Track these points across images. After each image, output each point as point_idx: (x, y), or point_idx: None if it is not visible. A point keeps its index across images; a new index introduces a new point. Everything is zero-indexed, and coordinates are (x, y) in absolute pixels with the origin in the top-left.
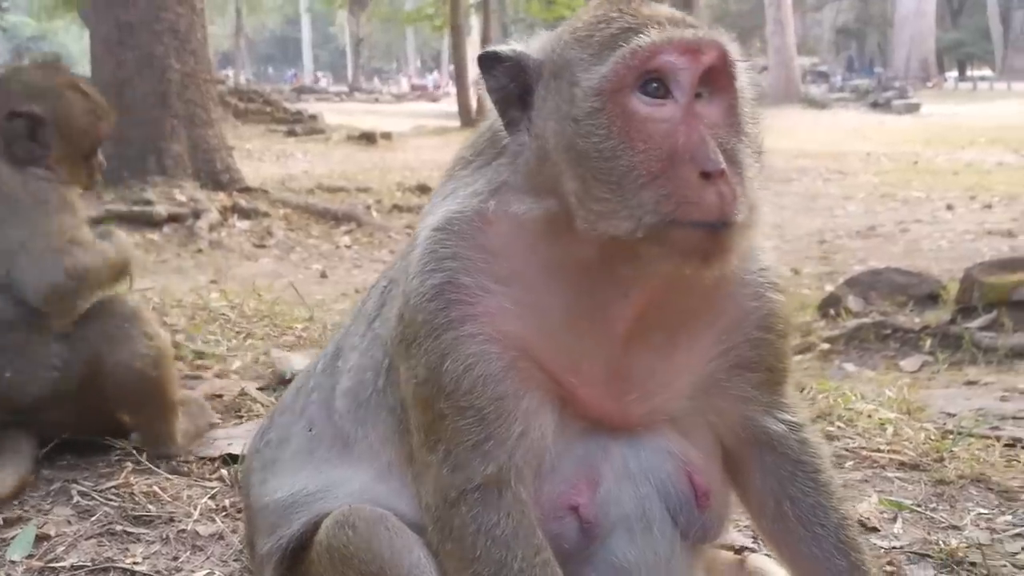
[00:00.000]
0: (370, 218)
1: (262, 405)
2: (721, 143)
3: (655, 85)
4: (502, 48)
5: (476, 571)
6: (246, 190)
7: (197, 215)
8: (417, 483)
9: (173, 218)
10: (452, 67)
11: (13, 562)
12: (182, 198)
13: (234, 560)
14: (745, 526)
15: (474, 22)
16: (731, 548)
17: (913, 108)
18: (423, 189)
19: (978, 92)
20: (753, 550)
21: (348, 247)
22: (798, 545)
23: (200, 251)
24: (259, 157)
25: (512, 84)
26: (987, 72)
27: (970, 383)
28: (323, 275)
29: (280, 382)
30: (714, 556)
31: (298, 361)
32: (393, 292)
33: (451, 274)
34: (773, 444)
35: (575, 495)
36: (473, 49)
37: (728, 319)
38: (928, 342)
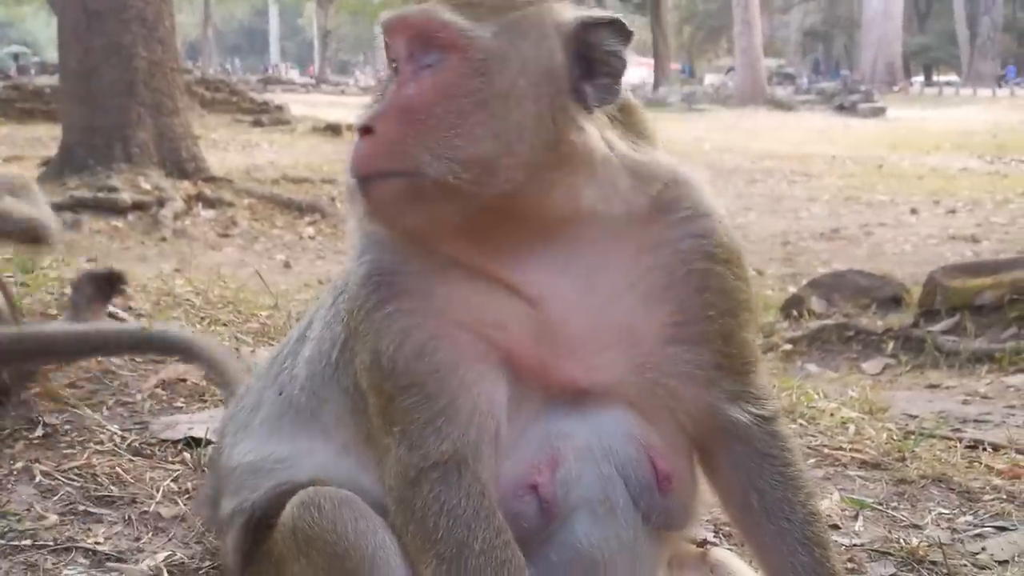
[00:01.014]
0: (334, 209)
1: None
2: (412, 105)
3: (393, 63)
4: None
5: (438, 552)
6: (211, 179)
7: (162, 203)
8: (379, 466)
9: (138, 206)
10: None
11: None
12: (147, 186)
13: (196, 542)
14: (707, 520)
15: None
16: (693, 541)
17: (879, 112)
18: None
19: (944, 97)
20: (715, 543)
21: (312, 238)
22: (764, 537)
23: (164, 239)
24: (224, 147)
25: None
26: (953, 77)
27: (932, 386)
28: (287, 265)
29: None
30: (676, 549)
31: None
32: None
33: (373, 262)
34: (740, 435)
35: (535, 474)
36: None
37: (652, 282)
38: (891, 344)
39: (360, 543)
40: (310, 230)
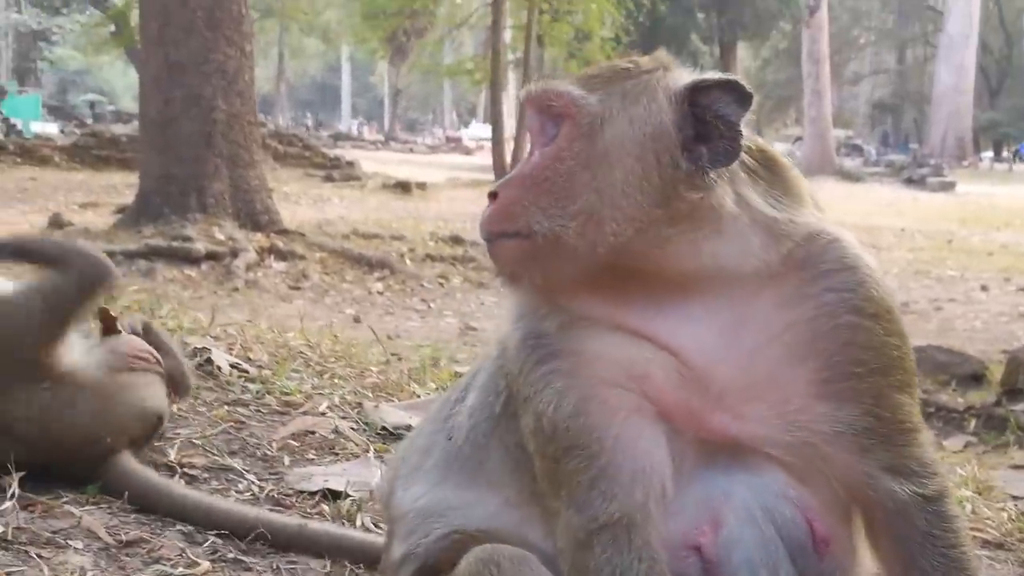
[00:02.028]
0: (403, 266)
1: (355, 444)
2: (533, 172)
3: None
4: None
5: None
6: (283, 232)
7: (235, 254)
8: (549, 527)
9: (211, 256)
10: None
11: None
12: (221, 236)
13: None
14: None
15: (512, 78)
16: None
17: (948, 186)
18: (456, 240)
19: (1014, 173)
20: None
21: (380, 293)
22: None
23: (236, 289)
24: (296, 200)
25: None
26: None
27: (1017, 467)
28: (356, 320)
29: (376, 432)
30: None
31: (389, 414)
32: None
33: (528, 325)
34: (900, 512)
35: (698, 535)
36: (509, 104)
37: (796, 336)
38: (972, 423)
39: None
40: (379, 285)
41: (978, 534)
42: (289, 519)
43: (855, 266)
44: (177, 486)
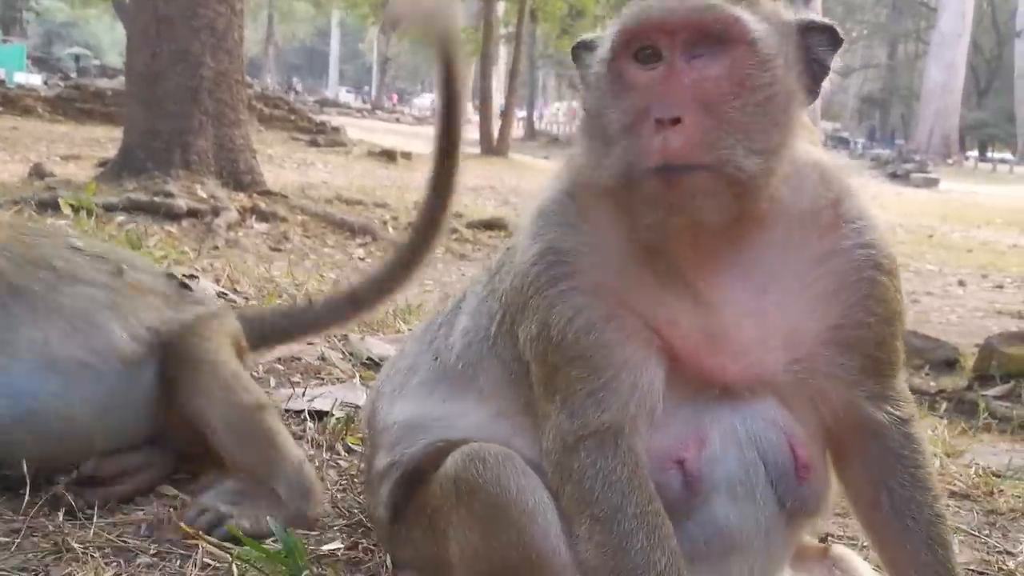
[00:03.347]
0: (386, 233)
1: (341, 371)
2: (708, 96)
3: (648, 51)
4: (588, 35)
5: (593, 513)
6: (266, 193)
7: (216, 212)
8: (537, 432)
9: (192, 213)
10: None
11: None
12: (203, 194)
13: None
14: (837, 514)
15: (503, 52)
16: (817, 536)
17: (932, 183)
18: None
19: (997, 173)
20: (837, 540)
21: (362, 259)
22: (889, 535)
23: (216, 248)
24: (280, 163)
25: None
26: (1008, 155)
27: (990, 447)
28: (337, 284)
29: (361, 362)
30: (799, 543)
31: (374, 345)
32: (512, 254)
33: (552, 241)
34: (877, 435)
35: (682, 449)
36: (499, 79)
37: (823, 287)
38: (944, 405)
39: (521, 498)
40: (360, 251)
41: (947, 486)
42: None
43: (876, 224)
44: None
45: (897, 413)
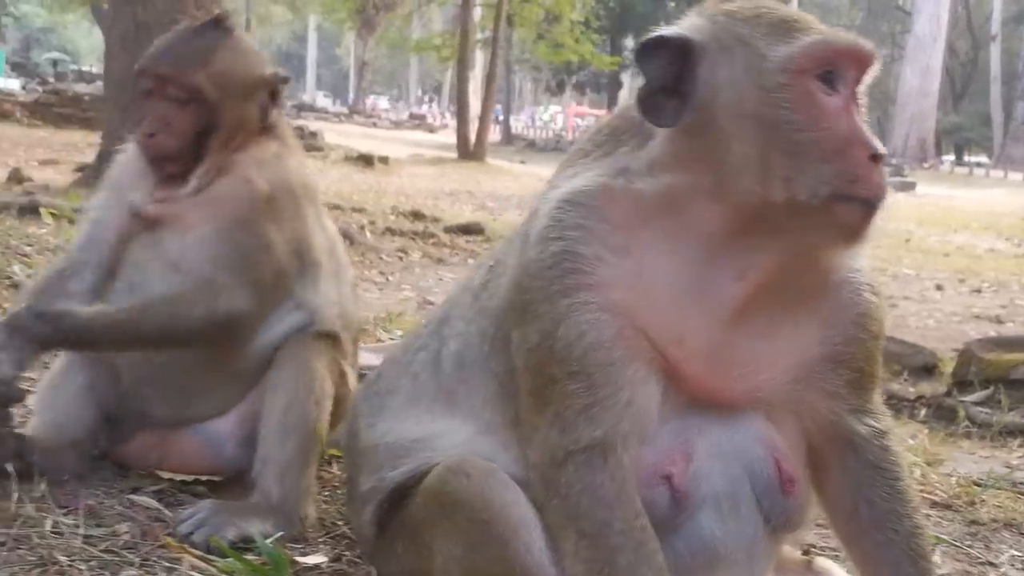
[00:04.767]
0: (363, 238)
1: None
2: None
3: (830, 76)
4: (669, 31)
5: (579, 528)
6: None
7: None
8: (524, 444)
9: None
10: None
11: None
12: None
13: None
14: (819, 525)
15: (479, 57)
16: (800, 547)
17: (908, 186)
18: (417, 215)
19: (974, 177)
20: (821, 551)
21: None
22: (869, 547)
23: None
24: None
25: (671, 67)
26: (983, 159)
27: (969, 454)
28: None
29: None
30: (783, 554)
31: (365, 357)
32: (499, 270)
33: (571, 243)
34: (856, 447)
35: (669, 464)
36: (476, 84)
37: (828, 311)
38: (923, 411)
39: (505, 512)
40: None
41: (927, 496)
42: None
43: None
44: None
45: (876, 426)
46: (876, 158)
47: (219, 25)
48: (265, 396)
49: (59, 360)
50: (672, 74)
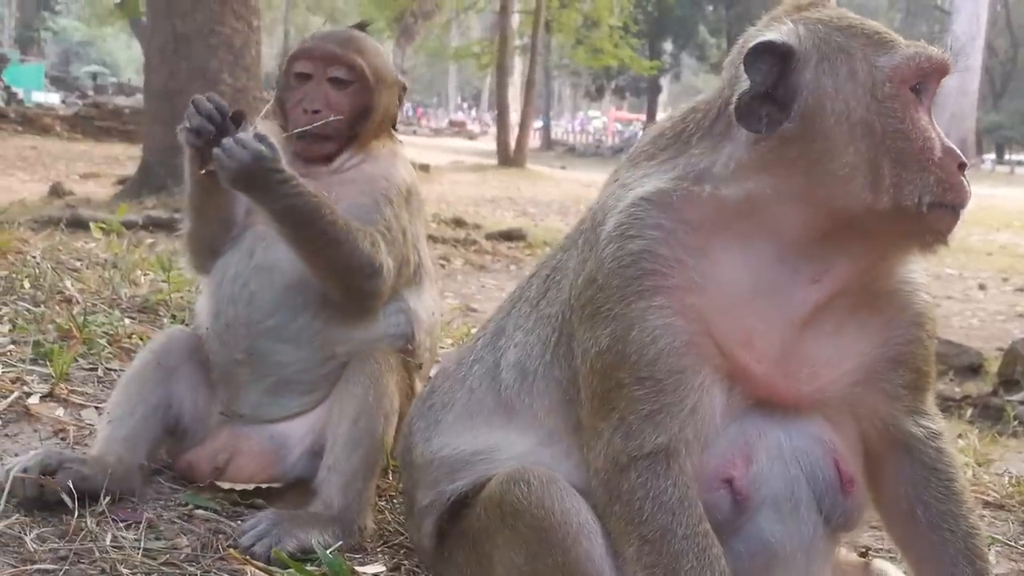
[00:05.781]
0: None
1: None
2: None
3: (917, 87)
4: (775, 36)
5: (642, 534)
6: None
7: None
8: (586, 449)
9: None
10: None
11: None
12: None
13: None
14: (873, 527)
15: (518, 63)
16: (856, 549)
17: None
18: (458, 222)
19: (1015, 176)
20: (877, 552)
21: None
22: (925, 548)
23: None
24: None
25: (772, 72)
26: None
27: (1017, 453)
28: None
29: None
30: (840, 556)
31: None
32: (557, 277)
33: (651, 243)
34: (912, 448)
35: (730, 468)
36: (515, 90)
37: (890, 312)
38: (969, 411)
39: (566, 520)
40: None
41: (980, 496)
42: None
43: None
44: None
45: (931, 427)
46: (962, 167)
47: (362, 29)
48: (336, 405)
49: (132, 373)
50: (772, 80)
